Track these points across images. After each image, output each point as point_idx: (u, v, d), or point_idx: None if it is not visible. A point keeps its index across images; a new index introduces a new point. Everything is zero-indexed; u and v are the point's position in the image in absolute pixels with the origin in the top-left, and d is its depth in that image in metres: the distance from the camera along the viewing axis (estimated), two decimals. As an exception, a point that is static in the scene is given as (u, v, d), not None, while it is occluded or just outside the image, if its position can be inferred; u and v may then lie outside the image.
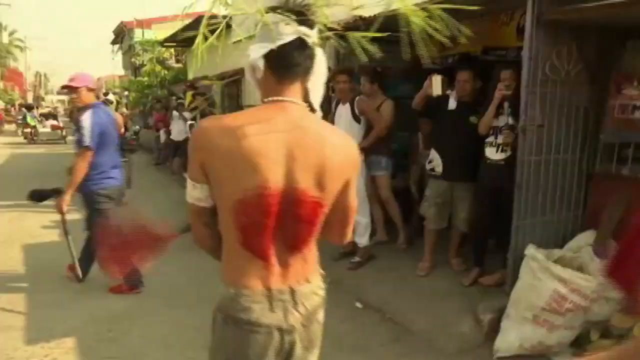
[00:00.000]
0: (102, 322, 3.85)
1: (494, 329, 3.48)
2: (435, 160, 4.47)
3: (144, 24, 21.21)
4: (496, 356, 3.30)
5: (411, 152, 5.71)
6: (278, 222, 1.48)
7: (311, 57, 1.54)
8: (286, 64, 1.51)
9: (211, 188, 1.49)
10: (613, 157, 3.73)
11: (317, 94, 1.59)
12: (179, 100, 11.13)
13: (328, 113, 6.40)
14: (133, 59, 18.90)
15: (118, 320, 3.87)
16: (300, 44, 1.51)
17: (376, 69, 5.17)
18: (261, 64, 1.52)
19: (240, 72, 11.50)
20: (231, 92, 12.66)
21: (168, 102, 13.46)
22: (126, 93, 19.89)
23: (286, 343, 1.53)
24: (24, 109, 23.00)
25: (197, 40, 1.51)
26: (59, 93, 63.24)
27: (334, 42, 1.28)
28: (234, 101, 12.32)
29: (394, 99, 5.07)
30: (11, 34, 46.83)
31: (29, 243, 5.91)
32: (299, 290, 1.55)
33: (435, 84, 4.28)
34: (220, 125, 1.48)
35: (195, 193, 1.52)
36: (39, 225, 6.75)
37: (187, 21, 13.92)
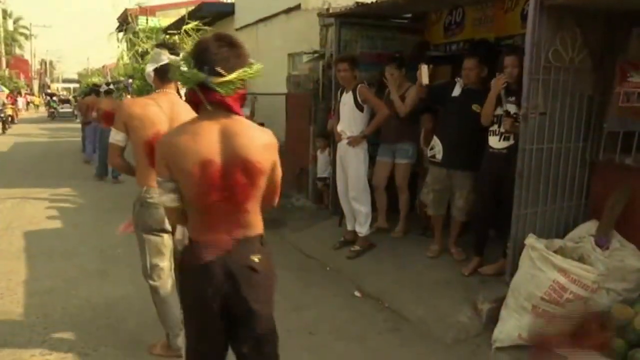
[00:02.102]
0: (99, 308, 3.85)
1: (493, 318, 3.44)
2: (436, 147, 4.45)
3: (148, 11, 21.10)
4: (494, 346, 3.27)
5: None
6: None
7: None
8: (164, 74, 2.93)
9: (127, 134, 2.90)
10: (617, 146, 3.67)
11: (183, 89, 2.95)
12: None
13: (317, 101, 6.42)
14: (137, 47, 18.80)
15: (115, 307, 3.87)
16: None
17: (396, 55, 5.15)
18: (152, 74, 3.02)
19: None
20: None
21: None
22: (130, 81, 19.82)
23: None
24: (48, 97, 35.46)
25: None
26: (64, 81, 63.31)
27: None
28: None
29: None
30: (16, 21, 46.78)
31: (29, 230, 5.92)
32: None
33: (423, 74, 4.31)
34: (135, 102, 3.13)
35: (117, 137, 2.93)
36: (39, 213, 6.77)
37: (191, 8, 13.87)
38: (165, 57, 2.97)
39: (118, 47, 27.62)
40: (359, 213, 4.85)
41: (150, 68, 3.01)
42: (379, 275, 4.43)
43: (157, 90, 3.02)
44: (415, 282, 4.19)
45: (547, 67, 3.50)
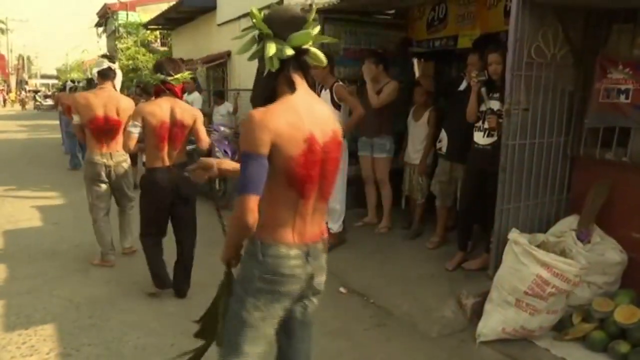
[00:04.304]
0: (82, 308, 3.79)
1: (477, 313, 3.47)
2: (443, 140, 4.59)
3: (128, 6, 20.81)
4: (479, 340, 3.30)
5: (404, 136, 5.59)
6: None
7: (114, 71, 4.61)
8: (104, 75, 4.55)
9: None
10: (597, 141, 3.72)
11: (118, 85, 4.69)
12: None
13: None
14: (117, 42, 18.56)
15: (99, 306, 3.81)
16: (109, 68, 4.57)
17: (378, 51, 5.18)
18: (97, 75, 4.57)
19: (226, 55, 11.34)
20: (217, 75, 12.47)
21: (147, 87, 13.26)
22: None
23: None
24: (33, 93, 43.30)
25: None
26: (42, 77, 61.99)
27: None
28: (219, 84, 12.13)
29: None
30: (-8, 15, 45.66)
31: (8, 229, 5.81)
32: None
33: (415, 67, 4.48)
34: (81, 96, 4.68)
35: (76, 118, 4.55)
36: (18, 211, 6.65)
37: (172, 3, 13.69)
38: (106, 64, 4.54)
39: (97, 42, 27.26)
40: (333, 210, 4.85)
41: (95, 70, 4.61)
42: (364, 271, 4.44)
43: (100, 86, 4.53)
44: (400, 277, 4.21)
45: (529, 64, 3.53)
